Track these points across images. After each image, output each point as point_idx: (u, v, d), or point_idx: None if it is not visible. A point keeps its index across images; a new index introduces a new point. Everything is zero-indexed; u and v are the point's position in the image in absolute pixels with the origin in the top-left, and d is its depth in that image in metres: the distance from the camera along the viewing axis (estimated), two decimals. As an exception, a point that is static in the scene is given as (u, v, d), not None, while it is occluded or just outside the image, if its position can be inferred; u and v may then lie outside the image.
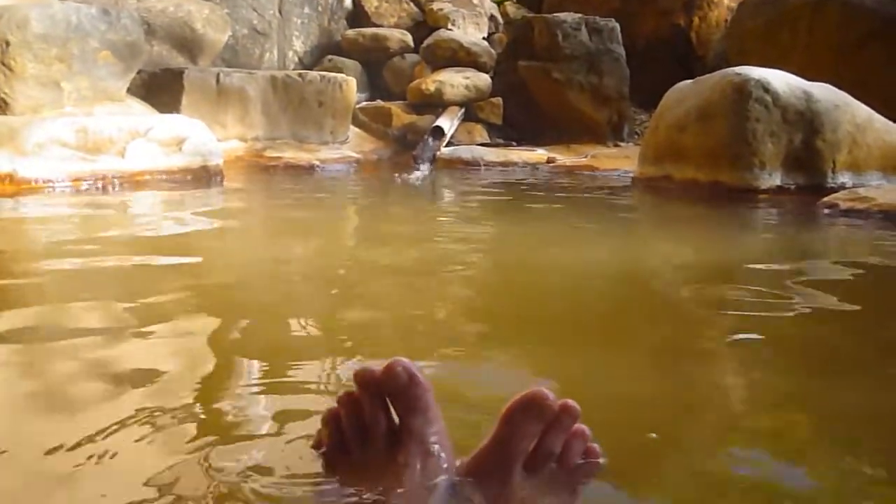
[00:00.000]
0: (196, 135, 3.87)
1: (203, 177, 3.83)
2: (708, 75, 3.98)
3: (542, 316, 1.79)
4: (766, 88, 3.67)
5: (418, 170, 4.69)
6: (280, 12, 5.95)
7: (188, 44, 5.02)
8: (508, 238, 2.85)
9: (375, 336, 1.57)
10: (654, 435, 1.08)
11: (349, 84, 5.05)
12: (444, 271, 2.22)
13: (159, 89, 4.53)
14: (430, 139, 5.00)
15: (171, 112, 4.26)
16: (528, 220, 3.31)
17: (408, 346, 1.52)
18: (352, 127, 5.21)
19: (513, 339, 1.62)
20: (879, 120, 3.78)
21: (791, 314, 1.81)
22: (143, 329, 1.50)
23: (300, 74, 4.96)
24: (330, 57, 5.90)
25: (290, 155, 4.62)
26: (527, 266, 2.30)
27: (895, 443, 1.14)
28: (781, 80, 3.73)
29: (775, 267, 2.39)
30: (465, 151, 4.97)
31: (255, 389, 1.21)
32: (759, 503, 0.96)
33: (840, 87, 4.75)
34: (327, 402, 0.99)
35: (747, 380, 1.43)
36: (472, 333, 1.65)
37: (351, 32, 6.04)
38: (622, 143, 5.34)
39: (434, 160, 4.89)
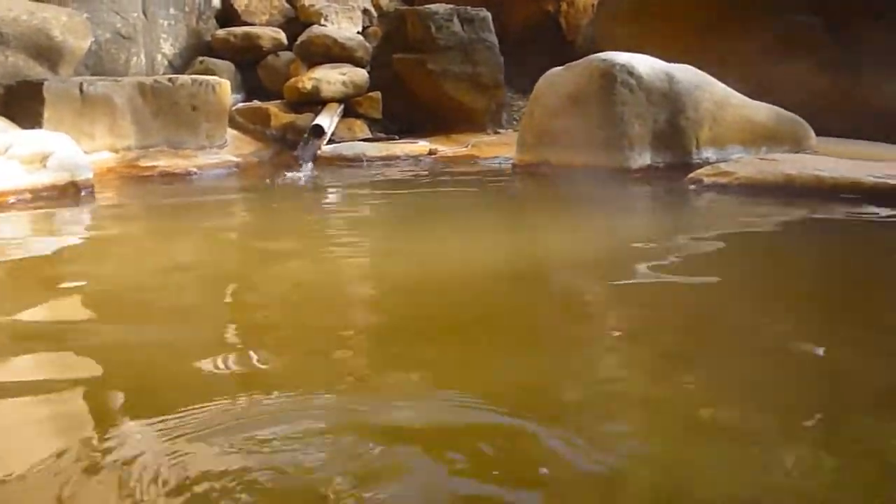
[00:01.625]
0: (61, 149, 3.69)
1: (72, 192, 3.67)
2: (577, 62, 4.09)
3: (440, 320, 1.80)
4: (630, 72, 3.81)
5: (300, 170, 4.63)
6: (145, 14, 5.74)
7: (47, 53, 4.77)
8: (396, 234, 2.86)
9: (273, 344, 1.56)
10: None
11: (223, 86, 4.93)
12: (333, 275, 2.21)
13: (18, 103, 4.30)
14: (311, 138, 4.95)
15: (32, 127, 4.05)
16: (413, 214, 3.33)
17: (303, 352, 1.52)
18: (229, 130, 5.09)
19: (408, 344, 1.63)
20: (736, 96, 3.99)
21: (670, 293, 1.90)
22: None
23: (170, 79, 4.80)
24: (201, 58, 5.73)
25: (166, 163, 4.47)
26: (418, 264, 2.32)
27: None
28: (645, 64, 3.88)
29: (652, 246, 2.50)
30: (346, 148, 4.95)
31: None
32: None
33: (702, 65, 4.97)
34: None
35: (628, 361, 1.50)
36: (363, 341, 1.65)
37: (221, 32, 5.89)
38: (502, 130, 5.43)
39: (316, 159, 4.84)
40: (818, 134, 4.51)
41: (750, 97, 4.70)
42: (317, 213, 3.53)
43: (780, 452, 1.10)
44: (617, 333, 1.69)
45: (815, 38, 4.62)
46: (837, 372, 1.43)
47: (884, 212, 2.84)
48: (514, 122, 5.63)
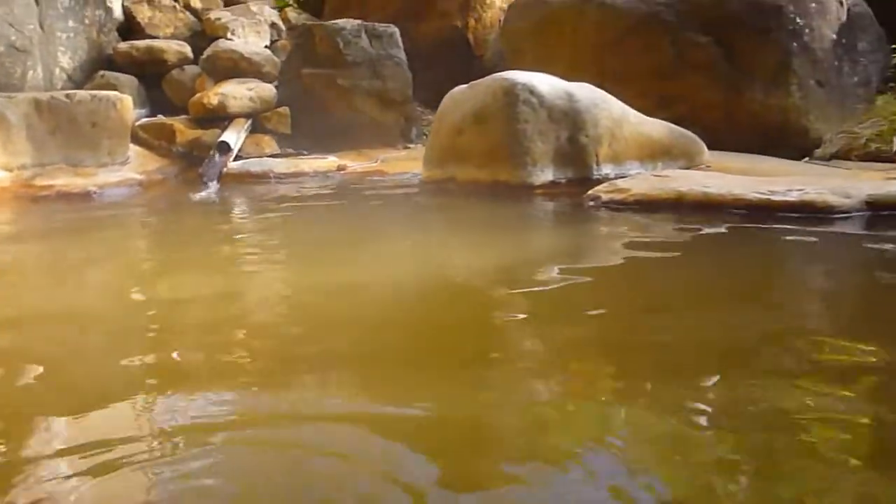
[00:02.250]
0: (-51, 170, 3.55)
1: (-39, 215, 3.53)
2: (480, 80, 4.17)
3: (355, 345, 1.83)
4: (531, 91, 3.91)
5: (206, 188, 4.57)
6: (41, 26, 5.55)
7: (-66, 67, 4.57)
8: (305, 254, 2.87)
9: (179, 371, 1.55)
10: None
11: (124, 101, 4.82)
12: (241, 298, 2.21)
13: None
14: (217, 155, 4.89)
15: (-82, 145, 3.89)
16: (319, 232, 3.34)
17: (209, 380, 1.51)
18: (132, 146, 4.98)
19: (322, 369, 1.65)
20: (633, 114, 4.14)
21: (563, 313, 1.97)
22: None
23: (68, 95, 4.67)
24: (102, 73, 5.58)
25: (64, 181, 4.35)
26: (329, 286, 2.34)
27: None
28: (545, 83, 3.99)
29: (551, 265, 2.58)
30: (254, 165, 4.91)
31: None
32: None
33: (604, 80, 5.14)
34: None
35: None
36: (276, 368, 1.66)
37: (124, 45, 5.75)
38: (411, 145, 5.47)
39: (222, 176, 4.78)
40: (712, 147, 4.72)
41: (648, 112, 4.88)
42: (218, 231, 3.49)
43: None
44: (495, 354, 1.74)
45: (708, 55, 4.83)
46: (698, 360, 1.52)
47: (765, 225, 3.01)
48: (424, 137, 5.68)
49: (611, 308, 2.08)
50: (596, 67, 5.19)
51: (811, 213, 3.09)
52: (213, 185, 4.64)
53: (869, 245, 2.91)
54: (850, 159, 4.61)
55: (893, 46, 5.22)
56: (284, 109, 5.44)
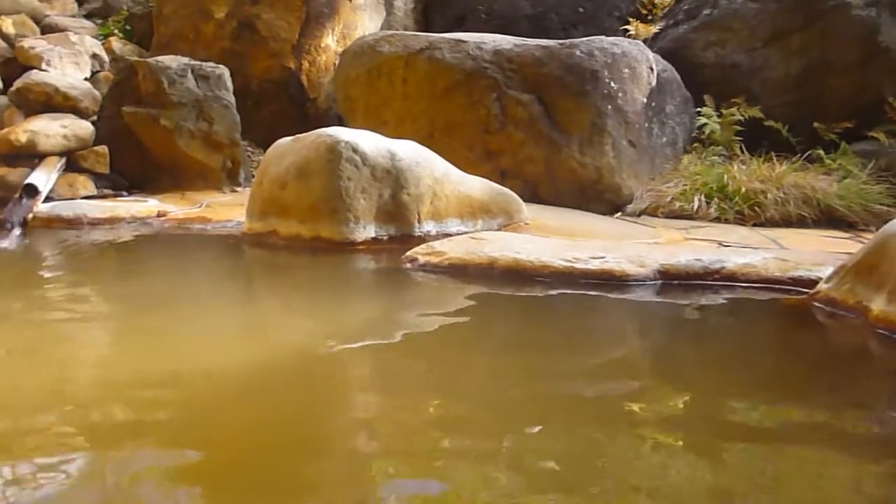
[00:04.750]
0: None
1: None
2: (305, 134, 4.15)
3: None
4: (355, 149, 3.94)
5: (8, 235, 4.27)
6: None
7: None
8: (108, 325, 2.73)
9: None
10: None
11: (-83, 137, 4.44)
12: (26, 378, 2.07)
13: None
14: (23, 198, 4.58)
15: None
16: (125, 295, 3.20)
17: None
18: (-74, 184, 4.59)
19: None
20: (456, 172, 4.25)
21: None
22: None
23: None
24: None
25: None
26: (120, 372, 2.22)
27: None
28: (369, 141, 4.02)
29: (345, 340, 2.59)
30: (65, 208, 4.63)
31: None
32: None
33: (433, 131, 5.28)
34: None
35: None
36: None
37: (-79, 71, 5.31)
38: (239, 188, 5.36)
39: (27, 222, 4.48)
40: (534, 200, 4.94)
41: (475, 163, 5.05)
42: (12, 289, 3.27)
43: None
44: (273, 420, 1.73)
45: (530, 113, 5.04)
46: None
47: (568, 291, 3.17)
48: (253, 178, 5.58)
49: (396, 390, 2.12)
50: (425, 118, 5.30)
51: (610, 280, 3.29)
52: (17, 232, 4.34)
53: (657, 311, 3.14)
54: (657, 216, 4.94)
55: (698, 109, 5.65)
56: (103, 148, 5.19)
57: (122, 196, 5.06)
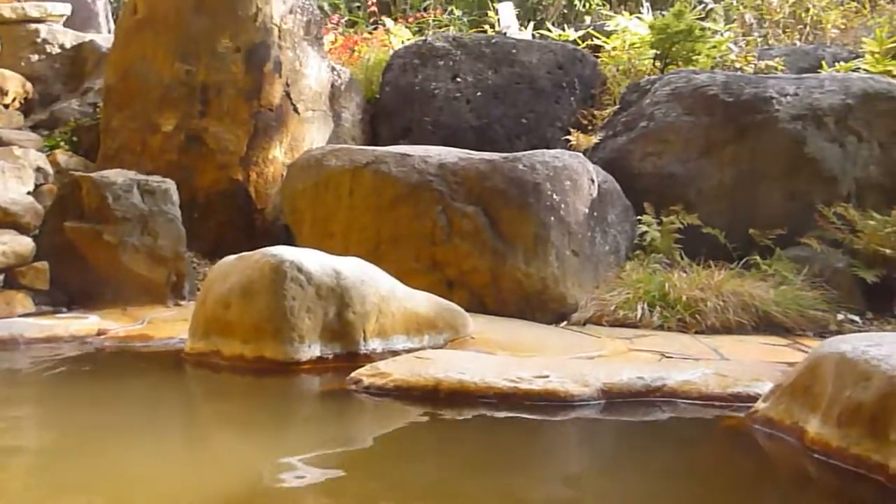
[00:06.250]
0: None
1: None
2: (250, 253, 4.15)
3: None
4: (299, 268, 3.95)
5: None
6: None
7: None
8: (32, 459, 2.63)
9: None
10: None
11: None
12: None
13: None
14: (-45, 319, 4.46)
15: None
16: (61, 427, 3.10)
17: None
18: None
19: None
20: (401, 288, 4.27)
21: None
22: None
23: None
24: None
25: None
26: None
27: None
28: (314, 260, 4.04)
29: (284, 465, 2.53)
30: (1, 328, 4.51)
31: None
32: None
33: (380, 242, 5.32)
34: None
35: None
36: None
37: None
38: (183, 302, 5.29)
39: (-42, 344, 4.35)
40: (480, 310, 4.98)
41: (421, 274, 5.10)
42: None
43: None
44: None
45: (475, 225, 5.12)
46: None
47: (512, 413, 3.17)
48: (199, 291, 5.53)
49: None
50: (372, 230, 5.36)
51: (554, 401, 3.30)
52: (-53, 355, 4.21)
53: (598, 432, 3.16)
54: (602, 324, 5.01)
55: (638, 217, 5.81)
56: (43, 264, 5.10)
57: (61, 312, 4.95)
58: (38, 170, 5.85)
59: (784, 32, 8.34)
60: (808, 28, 8.37)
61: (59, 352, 4.32)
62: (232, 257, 4.22)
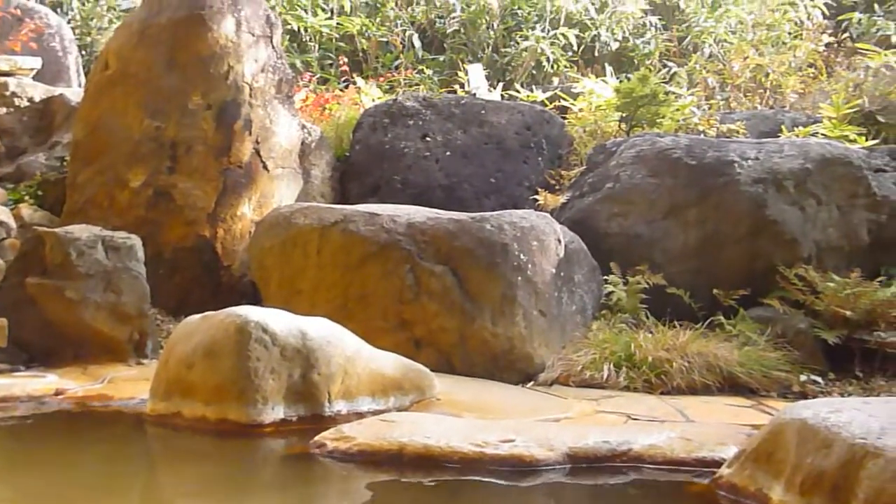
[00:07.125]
0: None
1: None
2: (214, 313, 4.12)
3: None
4: (264, 329, 3.92)
5: None
6: None
7: None
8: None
9: None
10: None
11: None
12: None
13: None
14: None
15: None
16: (11, 498, 3.00)
17: None
18: None
19: None
20: (367, 349, 4.24)
21: None
22: None
23: None
24: None
25: None
26: None
27: None
28: (279, 320, 4.01)
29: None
30: (-45, 388, 4.40)
31: None
32: None
33: (347, 301, 5.30)
34: None
35: None
36: None
37: None
38: (145, 361, 5.20)
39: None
40: (447, 370, 4.96)
41: (389, 333, 5.08)
42: None
43: None
44: None
45: (443, 284, 5.13)
46: None
47: (478, 478, 3.14)
48: (162, 349, 5.44)
49: None
50: (340, 288, 5.34)
51: (520, 466, 3.27)
52: None
53: (562, 498, 3.13)
54: (568, 384, 5.01)
55: (605, 277, 5.86)
56: (2, 321, 5.00)
57: (18, 371, 4.84)
58: (1, 224, 5.78)
59: (745, 96, 8.57)
60: (768, 92, 8.61)
61: (15, 413, 4.22)
62: (196, 317, 4.17)
